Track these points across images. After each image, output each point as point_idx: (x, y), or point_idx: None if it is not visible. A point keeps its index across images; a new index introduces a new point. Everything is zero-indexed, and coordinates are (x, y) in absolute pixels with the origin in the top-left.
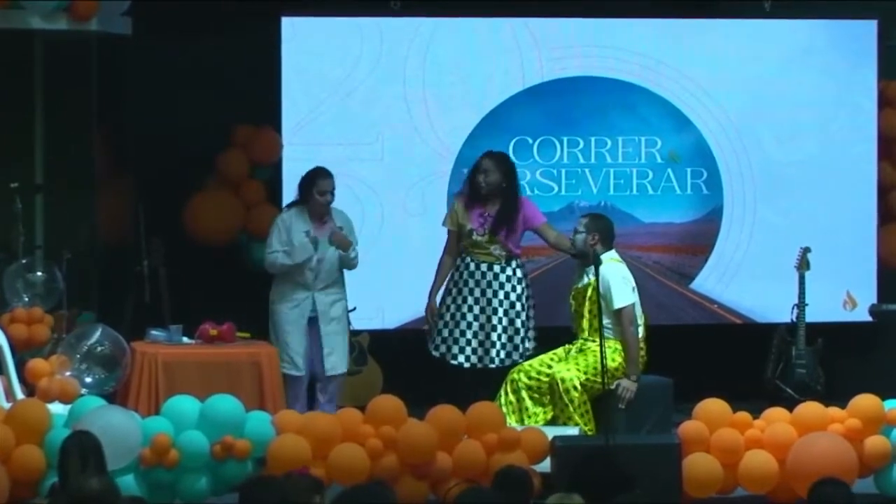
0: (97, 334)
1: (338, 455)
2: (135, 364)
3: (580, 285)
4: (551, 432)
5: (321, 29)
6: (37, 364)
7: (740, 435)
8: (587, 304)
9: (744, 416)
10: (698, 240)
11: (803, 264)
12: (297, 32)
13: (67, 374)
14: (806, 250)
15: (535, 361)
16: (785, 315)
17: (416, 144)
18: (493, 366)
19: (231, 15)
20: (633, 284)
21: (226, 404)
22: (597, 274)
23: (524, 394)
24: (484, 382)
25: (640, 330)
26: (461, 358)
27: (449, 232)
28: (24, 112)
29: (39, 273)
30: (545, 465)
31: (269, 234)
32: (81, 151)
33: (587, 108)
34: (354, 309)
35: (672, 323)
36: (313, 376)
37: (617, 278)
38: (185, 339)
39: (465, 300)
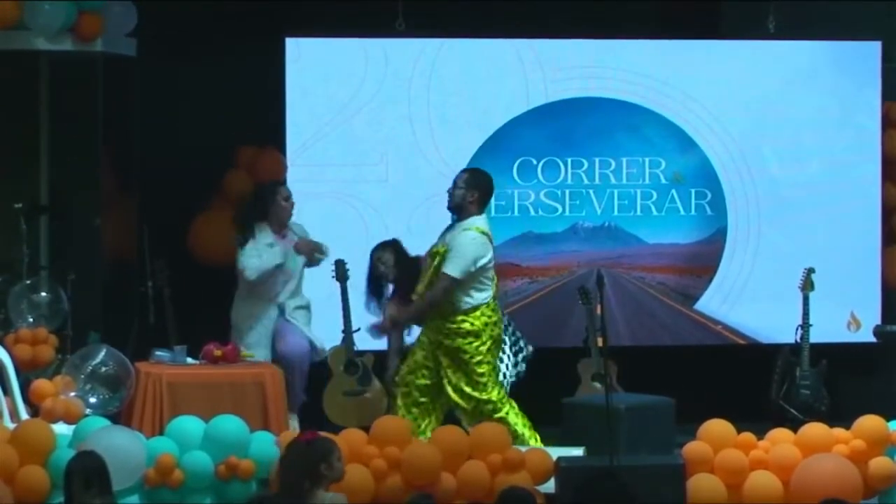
0: (101, 355)
1: None
2: (139, 384)
3: (438, 247)
4: (556, 453)
5: (325, 50)
6: (41, 384)
7: (744, 456)
8: (430, 271)
9: (748, 436)
10: (702, 261)
11: (807, 285)
12: (301, 53)
13: (72, 394)
14: (810, 271)
15: (413, 368)
16: (789, 336)
17: (421, 165)
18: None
19: (236, 36)
20: (484, 264)
21: (230, 425)
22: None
23: (424, 399)
24: None
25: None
26: None
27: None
28: (30, 132)
29: (44, 294)
30: (549, 486)
31: (245, 250)
32: (86, 172)
33: (591, 128)
34: (359, 329)
35: (676, 344)
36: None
37: (465, 250)
38: (190, 360)
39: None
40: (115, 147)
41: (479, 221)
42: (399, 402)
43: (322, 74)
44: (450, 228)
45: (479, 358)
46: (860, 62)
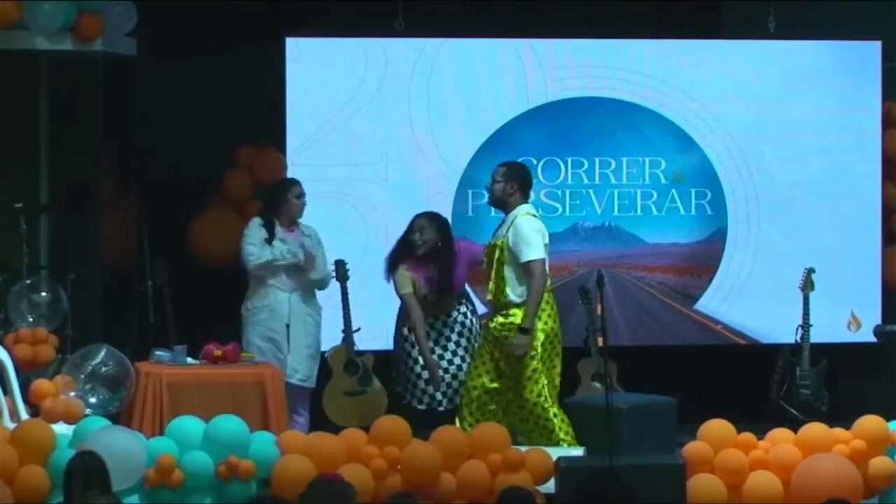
0: (102, 354)
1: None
2: (139, 384)
3: (491, 242)
4: (555, 453)
5: (325, 50)
6: (41, 384)
7: (745, 456)
8: (495, 264)
9: (748, 436)
10: (703, 260)
11: (807, 285)
12: (301, 53)
13: (72, 394)
14: (810, 271)
15: (481, 373)
16: (789, 336)
17: (421, 165)
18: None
19: (236, 36)
20: (546, 241)
21: (230, 425)
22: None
23: (493, 406)
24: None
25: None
26: (445, 402)
27: (408, 295)
28: (30, 132)
29: (44, 293)
30: (549, 486)
31: (248, 234)
32: (86, 172)
33: (591, 128)
34: (359, 329)
35: (676, 343)
36: None
37: (530, 232)
38: (190, 360)
39: (431, 351)
40: (115, 147)
41: (527, 207)
42: (464, 409)
43: (322, 74)
44: (501, 224)
45: (531, 353)
46: (860, 62)
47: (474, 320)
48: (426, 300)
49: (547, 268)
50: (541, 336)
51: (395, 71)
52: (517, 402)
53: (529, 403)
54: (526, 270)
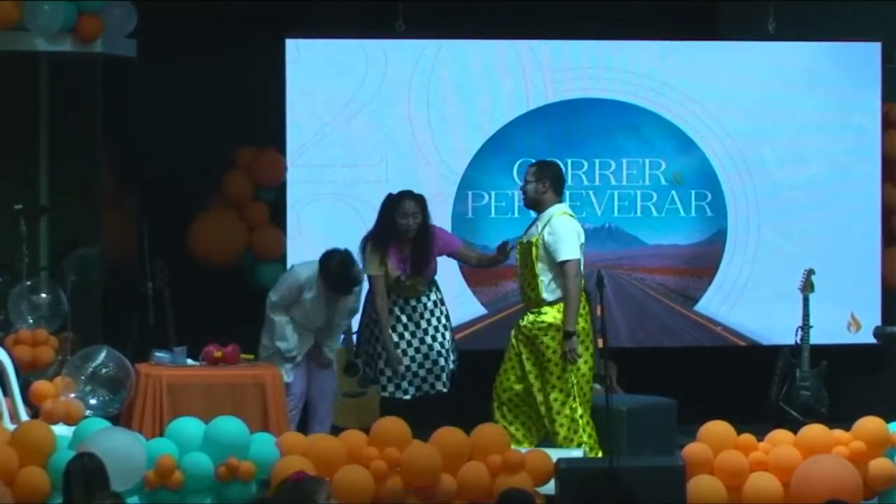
0: (102, 356)
1: (342, 477)
2: (139, 386)
3: (525, 240)
4: (556, 454)
5: (325, 51)
6: (41, 386)
7: (744, 457)
8: (529, 263)
9: (748, 438)
10: (703, 262)
11: (807, 286)
12: (301, 54)
13: (72, 395)
14: (810, 272)
15: (510, 375)
16: (789, 337)
17: (421, 166)
18: (445, 391)
19: (236, 36)
20: (582, 241)
21: (230, 426)
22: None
23: (524, 406)
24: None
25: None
26: (412, 391)
27: (376, 277)
28: (30, 132)
29: (44, 295)
30: (549, 488)
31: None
32: (86, 173)
33: (591, 130)
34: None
35: (676, 345)
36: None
37: (567, 231)
38: (190, 361)
39: (401, 336)
40: (115, 147)
41: (562, 206)
42: (496, 411)
43: (322, 75)
44: (534, 223)
45: (561, 352)
46: (860, 63)
47: (443, 310)
48: (398, 282)
49: (582, 268)
50: None
51: (395, 72)
52: (545, 403)
53: (557, 403)
54: (561, 270)
